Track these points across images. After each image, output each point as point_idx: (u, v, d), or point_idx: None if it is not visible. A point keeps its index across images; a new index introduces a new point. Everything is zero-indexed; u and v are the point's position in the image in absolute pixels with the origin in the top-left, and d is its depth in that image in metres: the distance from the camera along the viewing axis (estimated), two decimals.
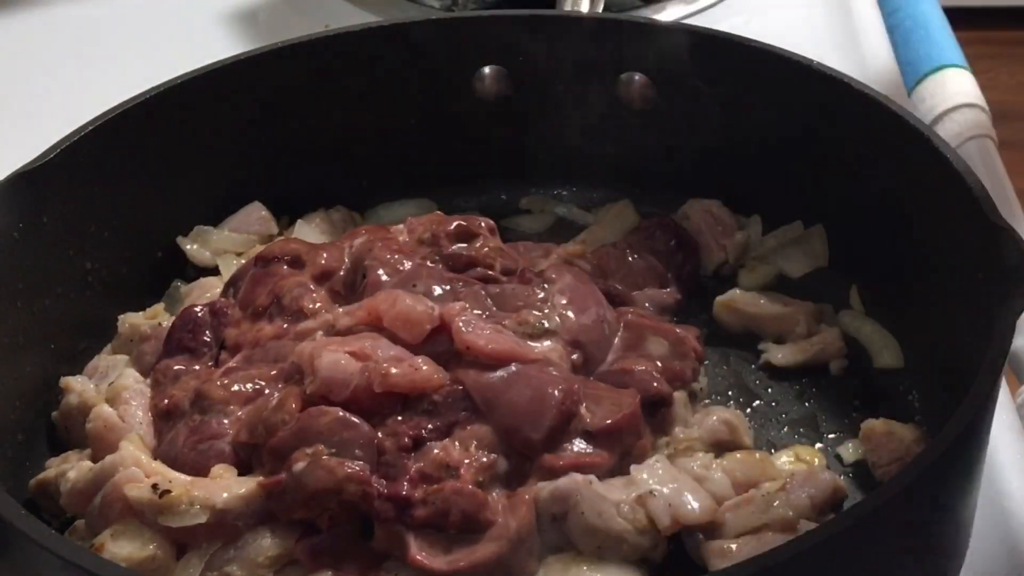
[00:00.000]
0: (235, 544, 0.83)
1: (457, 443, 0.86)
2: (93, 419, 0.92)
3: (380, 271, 0.98)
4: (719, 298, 1.07)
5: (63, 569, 0.70)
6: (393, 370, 0.87)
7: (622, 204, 1.17)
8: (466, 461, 0.84)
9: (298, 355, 0.90)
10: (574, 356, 0.94)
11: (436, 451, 0.85)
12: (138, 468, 0.85)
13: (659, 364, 0.96)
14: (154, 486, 0.83)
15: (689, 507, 0.84)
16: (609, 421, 0.89)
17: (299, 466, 0.83)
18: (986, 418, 0.80)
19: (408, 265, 0.98)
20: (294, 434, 0.85)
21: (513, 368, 0.89)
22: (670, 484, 0.85)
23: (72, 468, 0.89)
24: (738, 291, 1.08)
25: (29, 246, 0.96)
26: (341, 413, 0.85)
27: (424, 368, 0.88)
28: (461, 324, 0.91)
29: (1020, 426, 1.04)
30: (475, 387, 0.88)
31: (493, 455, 0.86)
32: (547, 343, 0.93)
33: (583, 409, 0.89)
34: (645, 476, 0.85)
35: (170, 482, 0.84)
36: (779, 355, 1.03)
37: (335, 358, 0.88)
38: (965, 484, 0.79)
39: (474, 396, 0.88)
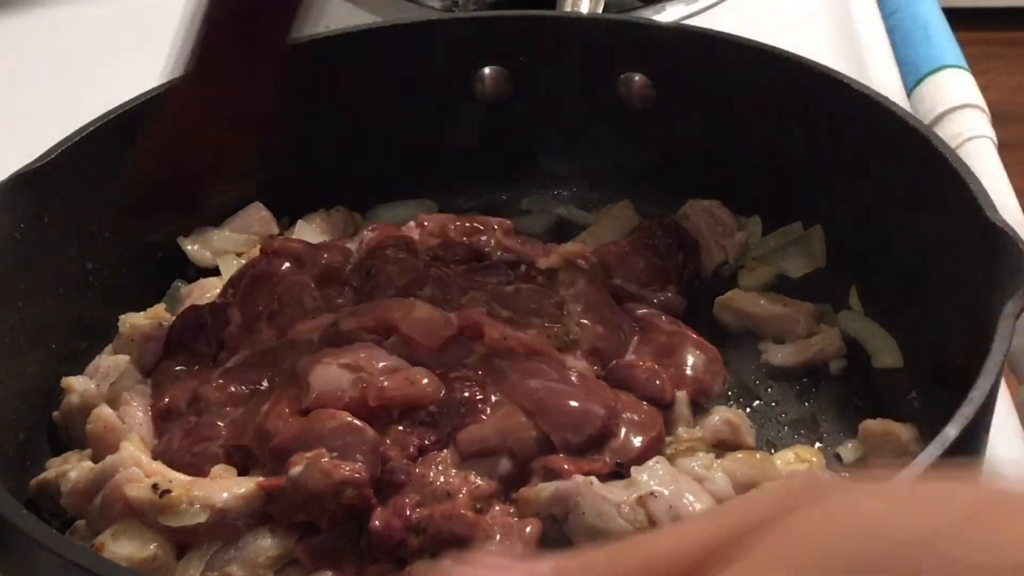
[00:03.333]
0: (235, 544, 0.83)
1: (455, 470, 0.85)
2: (93, 420, 0.93)
3: (387, 272, 0.97)
4: (719, 298, 1.07)
5: (64, 569, 0.70)
6: (387, 383, 0.87)
7: (622, 204, 1.17)
8: (464, 489, 0.84)
9: (298, 369, 0.90)
10: (595, 367, 0.95)
11: (437, 482, 0.84)
12: (138, 468, 0.85)
13: (690, 375, 0.97)
14: (154, 486, 0.83)
15: (690, 508, 0.84)
16: (639, 444, 0.89)
17: (296, 469, 0.83)
18: (986, 418, 0.80)
19: (416, 267, 0.98)
20: (297, 436, 0.85)
21: (560, 375, 0.90)
22: (671, 485, 0.85)
23: (73, 468, 0.89)
24: (738, 291, 1.08)
25: (30, 247, 0.96)
26: (349, 418, 0.85)
27: (420, 380, 0.88)
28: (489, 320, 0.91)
29: (1020, 426, 1.04)
30: (517, 383, 0.89)
31: (492, 480, 0.85)
32: (571, 357, 0.94)
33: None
34: (645, 477, 0.85)
35: (170, 482, 0.84)
36: (779, 355, 1.03)
37: (328, 371, 0.88)
38: None
39: (513, 392, 0.88)
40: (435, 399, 0.87)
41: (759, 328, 1.06)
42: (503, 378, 0.90)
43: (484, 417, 0.87)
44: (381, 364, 0.89)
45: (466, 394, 0.88)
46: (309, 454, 0.83)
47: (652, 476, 0.86)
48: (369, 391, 0.87)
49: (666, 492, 0.84)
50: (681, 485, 0.86)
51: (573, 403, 0.88)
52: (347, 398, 0.87)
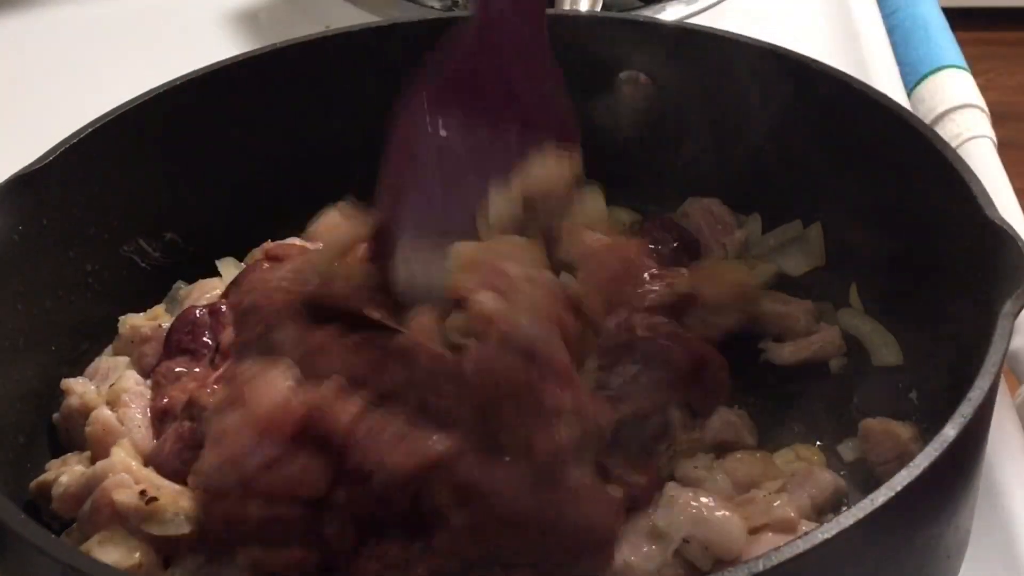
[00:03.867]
0: (219, 560, 0.81)
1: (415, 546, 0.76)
2: (92, 422, 0.92)
3: (249, 322, 0.86)
4: None
5: (62, 573, 0.70)
6: (267, 483, 0.76)
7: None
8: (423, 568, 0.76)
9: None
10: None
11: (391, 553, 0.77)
12: (128, 474, 0.85)
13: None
14: (142, 492, 0.82)
15: (725, 540, 0.82)
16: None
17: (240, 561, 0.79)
18: (986, 418, 0.80)
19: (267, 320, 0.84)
20: (229, 526, 0.78)
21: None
22: (696, 522, 0.83)
23: (65, 472, 0.89)
24: None
25: (29, 248, 0.96)
26: (272, 510, 0.76)
27: (304, 477, 0.76)
28: (361, 435, 0.76)
29: (1019, 426, 1.04)
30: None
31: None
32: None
33: None
34: (665, 524, 0.83)
35: (158, 489, 0.83)
36: (780, 353, 1.03)
37: (211, 465, 0.79)
38: (964, 484, 0.79)
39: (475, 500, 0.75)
40: (319, 493, 0.76)
41: (760, 326, 1.06)
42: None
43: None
44: (258, 459, 0.77)
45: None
46: (244, 552, 0.78)
47: (672, 520, 0.83)
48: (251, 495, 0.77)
49: (697, 534, 0.82)
50: (705, 514, 0.83)
51: (575, 526, 0.76)
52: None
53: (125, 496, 0.82)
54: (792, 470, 0.92)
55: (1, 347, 0.93)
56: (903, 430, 0.93)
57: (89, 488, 0.86)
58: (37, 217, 0.97)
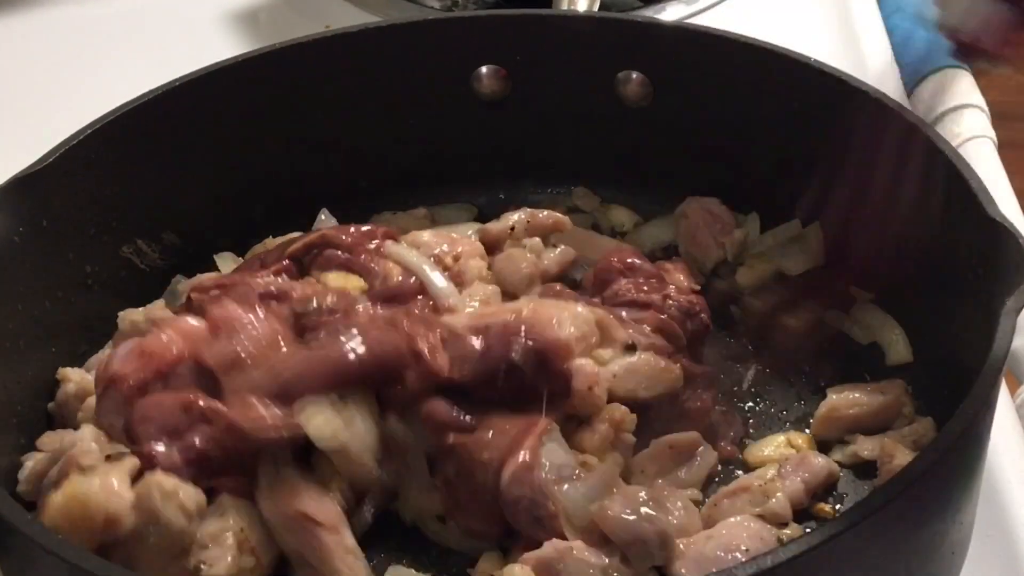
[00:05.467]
0: None
1: None
2: (85, 409, 0.93)
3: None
4: (822, 412, 0.97)
5: (68, 573, 0.70)
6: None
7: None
8: None
9: None
10: None
11: None
12: (96, 445, 0.85)
13: None
14: (108, 457, 0.82)
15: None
16: None
17: None
18: (987, 418, 0.80)
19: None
20: None
21: None
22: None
23: (30, 458, 0.90)
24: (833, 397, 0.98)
25: (29, 249, 0.96)
26: None
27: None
28: None
29: (1019, 426, 1.04)
30: None
31: None
32: None
33: None
34: None
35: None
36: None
37: None
38: (966, 484, 0.79)
39: None
40: None
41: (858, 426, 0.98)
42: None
43: None
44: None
45: None
46: None
47: None
48: None
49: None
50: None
51: None
52: None
53: (90, 460, 0.82)
54: (785, 456, 0.92)
55: (1, 348, 0.93)
56: (905, 430, 0.93)
57: (53, 463, 0.86)
58: (37, 218, 0.97)
